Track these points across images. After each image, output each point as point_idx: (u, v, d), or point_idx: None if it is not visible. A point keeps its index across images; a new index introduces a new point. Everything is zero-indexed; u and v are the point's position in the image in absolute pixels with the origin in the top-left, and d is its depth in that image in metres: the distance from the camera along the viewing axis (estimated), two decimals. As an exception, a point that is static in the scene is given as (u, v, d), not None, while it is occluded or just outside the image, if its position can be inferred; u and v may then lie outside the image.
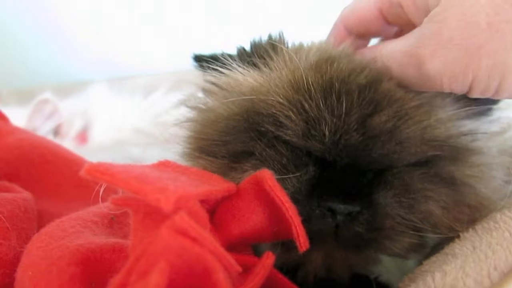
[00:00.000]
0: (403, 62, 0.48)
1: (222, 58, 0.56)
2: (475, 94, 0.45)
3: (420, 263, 0.47)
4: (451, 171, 0.47)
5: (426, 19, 0.46)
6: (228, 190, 0.41)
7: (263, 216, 0.41)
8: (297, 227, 0.39)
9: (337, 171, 0.45)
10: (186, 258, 0.31)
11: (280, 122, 0.46)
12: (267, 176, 0.39)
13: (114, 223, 0.46)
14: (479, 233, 0.43)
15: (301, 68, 0.49)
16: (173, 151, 0.54)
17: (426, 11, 0.47)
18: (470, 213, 0.47)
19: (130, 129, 0.95)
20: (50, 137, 0.97)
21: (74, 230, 0.41)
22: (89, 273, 0.37)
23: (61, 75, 1.52)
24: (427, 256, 0.47)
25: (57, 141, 0.91)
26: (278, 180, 0.43)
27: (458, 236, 0.45)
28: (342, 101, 0.45)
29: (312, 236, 0.42)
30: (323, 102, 0.45)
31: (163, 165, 0.41)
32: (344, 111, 0.45)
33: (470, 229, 0.45)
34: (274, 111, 0.46)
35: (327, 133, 0.44)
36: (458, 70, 0.43)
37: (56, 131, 1.02)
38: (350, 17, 0.58)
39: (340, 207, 0.42)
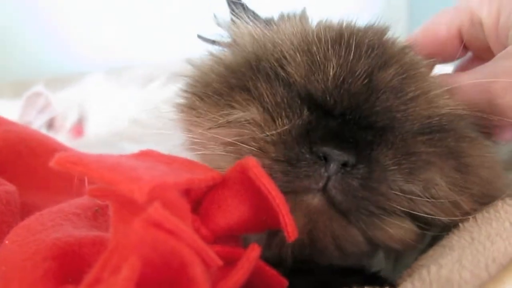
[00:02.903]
0: (474, 95, 0.47)
1: (247, 13, 0.56)
2: None
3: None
4: (459, 144, 0.45)
5: (500, 55, 0.47)
6: (212, 179, 0.39)
7: (250, 206, 0.39)
8: (285, 216, 0.37)
9: (335, 120, 0.43)
10: (161, 251, 0.30)
11: (285, 58, 0.45)
12: (252, 163, 0.37)
13: (99, 215, 0.45)
14: (479, 223, 0.41)
15: (313, 27, 0.50)
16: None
17: (505, 37, 0.47)
18: (480, 187, 0.45)
19: (127, 120, 0.94)
20: (43, 130, 0.96)
21: (53, 223, 0.39)
22: (66, 267, 0.36)
23: (56, 67, 1.50)
24: (425, 250, 0.45)
25: (51, 134, 0.90)
26: (267, 119, 0.43)
27: (457, 227, 0.43)
28: (351, 50, 0.44)
29: (297, 191, 0.40)
30: (332, 49, 0.45)
31: (144, 154, 0.39)
32: (351, 59, 0.44)
33: (470, 219, 0.43)
34: (280, 49, 0.46)
35: (331, 75, 0.43)
36: None
37: (50, 124, 1.01)
38: (425, 35, 0.58)
39: (335, 152, 0.39)
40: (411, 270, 0.42)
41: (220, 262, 0.32)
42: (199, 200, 0.41)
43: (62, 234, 0.38)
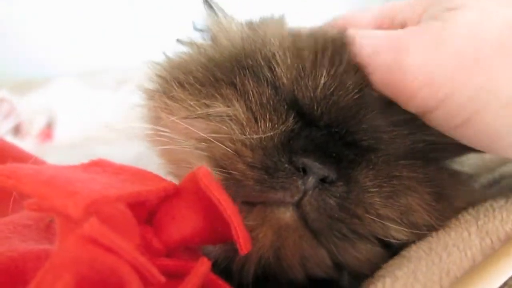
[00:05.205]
0: (378, 44, 0.40)
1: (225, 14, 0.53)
2: (438, 116, 0.38)
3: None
4: (440, 175, 0.43)
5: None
6: (164, 190, 0.37)
7: (204, 217, 0.38)
8: (237, 228, 0.35)
9: (319, 131, 0.40)
10: (98, 269, 0.28)
11: (274, 58, 0.43)
12: (202, 173, 0.36)
13: (52, 226, 0.43)
14: (439, 233, 0.40)
15: (304, 32, 0.47)
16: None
17: None
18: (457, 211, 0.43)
19: (99, 124, 0.92)
20: (9, 137, 0.93)
21: (-1, 236, 0.38)
22: (8, 284, 0.34)
23: (22, 71, 1.46)
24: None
25: (18, 140, 0.88)
26: (250, 118, 0.40)
27: (419, 236, 0.42)
28: (341, 61, 0.42)
29: (268, 202, 0.38)
30: (319, 59, 0.42)
31: (93, 164, 0.38)
32: (342, 71, 0.41)
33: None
34: (269, 48, 0.44)
35: (321, 84, 0.41)
36: (441, 77, 0.36)
37: (16, 130, 0.98)
38: (346, 21, 0.52)
39: (316, 165, 0.37)
40: (372, 279, 0.41)
41: (162, 279, 0.31)
42: (154, 210, 0.40)
43: (6, 248, 0.36)
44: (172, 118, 0.43)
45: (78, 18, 1.56)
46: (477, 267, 0.32)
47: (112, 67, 1.30)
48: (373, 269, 0.42)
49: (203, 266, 0.34)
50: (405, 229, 0.40)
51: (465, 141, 0.39)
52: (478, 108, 0.36)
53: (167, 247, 0.38)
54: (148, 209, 0.39)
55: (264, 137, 0.39)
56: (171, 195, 0.39)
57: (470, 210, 0.41)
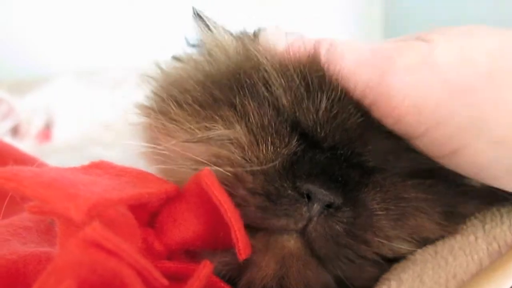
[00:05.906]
0: (362, 59, 0.37)
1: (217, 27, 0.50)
2: (423, 143, 0.36)
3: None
4: (449, 192, 0.41)
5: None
6: (166, 192, 0.37)
7: (206, 220, 0.38)
8: (237, 232, 0.35)
9: (323, 153, 0.38)
10: (101, 272, 0.28)
11: (271, 81, 0.40)
12: (204, 172, 0.35)
13: (52, 228, 0.43)
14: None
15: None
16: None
17: None
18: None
19: (98, 124, 0.91)
20: (7, 138, 0.92)
21: (-1, 239, 0.38)
22: (9, 287, 0.34)
23: (21, 70, 1.45)
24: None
25: (17, 141, 0.87)
26: (252, 142, 0.39)
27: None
28: (338, 84, 0.38)
29: (270, 229, 0.37)
30: (316, 85, 0.39)
31: (94, 166, 0.37)
32: (339, 94, 0.38)
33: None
34: (265, 69, 0.41)
35: (322, 107, 0.38)
36: (428, 105, 0.34)
37: (15, 131, 0.97)
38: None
39: (321, 191, 0.35)
40: (377, 282, 0.41)
41: (165, 282, 0.30)
42: (156, 213, 0.39)
43: (6, 251, 0.36)
44: (172, 142, 0.42)
45: (76, 17, 1.55)
46: (484, 271, 0.32)
47: (111, 66, 1.29)
48: (377, 280, 0.41)
49: (205, 269, 0.34)
50: (415, 248, 0.39)
51: (452, 167, 0.37)
52: (466, 141, 0.34)
53: (168, 250, 0.38)
54: (149, 211, 0.39)
55: (267, 163, 0.38)
56: (173, 197, 0.39)
57: (477, 214, 0.41)
